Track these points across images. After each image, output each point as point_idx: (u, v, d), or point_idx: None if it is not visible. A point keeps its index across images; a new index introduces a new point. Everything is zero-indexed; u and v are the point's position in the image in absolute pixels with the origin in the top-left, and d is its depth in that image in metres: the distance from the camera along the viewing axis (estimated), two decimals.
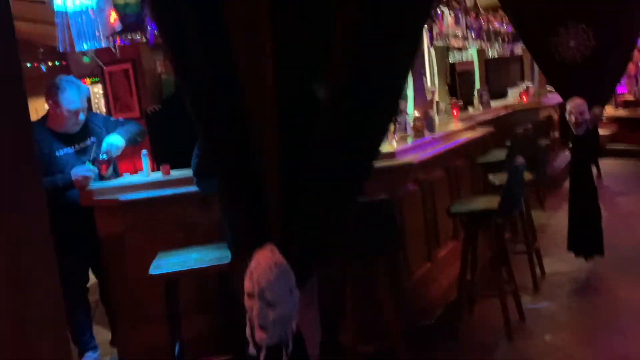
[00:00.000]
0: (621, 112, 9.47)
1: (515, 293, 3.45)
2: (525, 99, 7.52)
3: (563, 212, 4.60)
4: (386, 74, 1.34)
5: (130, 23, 3.74)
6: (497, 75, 11.50)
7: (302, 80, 1.31)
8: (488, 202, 3.38)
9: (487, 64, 11.47)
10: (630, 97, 9.69)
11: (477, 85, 7.14)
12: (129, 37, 3.76)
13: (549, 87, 8.83)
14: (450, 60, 9.70)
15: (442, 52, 7.48)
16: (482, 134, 4.51)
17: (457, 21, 5.35)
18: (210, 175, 1.60)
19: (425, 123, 3.99)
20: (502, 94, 8.54)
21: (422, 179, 3.62)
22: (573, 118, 4.08)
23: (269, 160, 1.33)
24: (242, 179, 1.37)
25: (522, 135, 5.15)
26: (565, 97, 4.16)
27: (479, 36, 6.23)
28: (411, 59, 1.45)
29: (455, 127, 4.52)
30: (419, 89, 4.43)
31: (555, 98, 8.48)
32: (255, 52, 1.30)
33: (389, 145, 3.37)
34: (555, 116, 8.30)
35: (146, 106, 4.09)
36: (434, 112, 4.53)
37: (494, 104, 7.55)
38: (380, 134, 1.44)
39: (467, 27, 6.23)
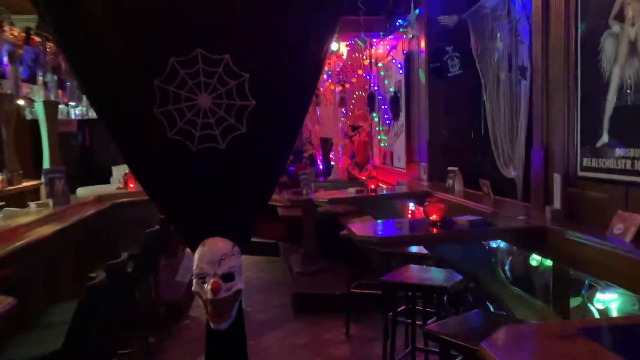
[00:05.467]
0: None
1: None
2: (132, 185, 4.92)
3: None
4: None
5: None
6: (101, 147, 8.57)
7: None
8: None
9: (83, 126, 8.49)
10: None
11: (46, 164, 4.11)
12: None
13: None
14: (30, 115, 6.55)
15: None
16: None
17: None
18: None
19: None
20: (106, 174, 5.70)
21: None
22: (210, 292, 1.58)
23: None
24: None
25: (105, 284, 2.36)
26: (190, 234, 1.65)
27: (30, 77, 3.25)
28: None
29: None
30: None
31: None
32: None
33: None
34: None
35: None
36: None
37: (85, 192, 4.74)
38: None
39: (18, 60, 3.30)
